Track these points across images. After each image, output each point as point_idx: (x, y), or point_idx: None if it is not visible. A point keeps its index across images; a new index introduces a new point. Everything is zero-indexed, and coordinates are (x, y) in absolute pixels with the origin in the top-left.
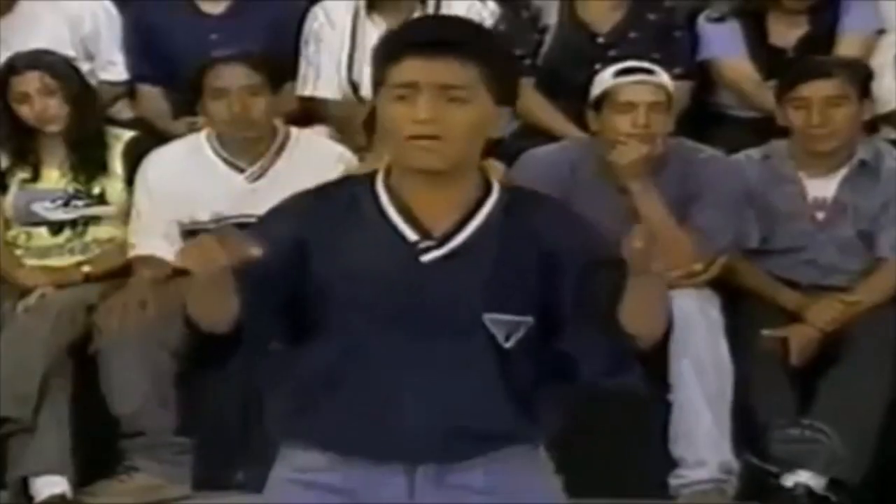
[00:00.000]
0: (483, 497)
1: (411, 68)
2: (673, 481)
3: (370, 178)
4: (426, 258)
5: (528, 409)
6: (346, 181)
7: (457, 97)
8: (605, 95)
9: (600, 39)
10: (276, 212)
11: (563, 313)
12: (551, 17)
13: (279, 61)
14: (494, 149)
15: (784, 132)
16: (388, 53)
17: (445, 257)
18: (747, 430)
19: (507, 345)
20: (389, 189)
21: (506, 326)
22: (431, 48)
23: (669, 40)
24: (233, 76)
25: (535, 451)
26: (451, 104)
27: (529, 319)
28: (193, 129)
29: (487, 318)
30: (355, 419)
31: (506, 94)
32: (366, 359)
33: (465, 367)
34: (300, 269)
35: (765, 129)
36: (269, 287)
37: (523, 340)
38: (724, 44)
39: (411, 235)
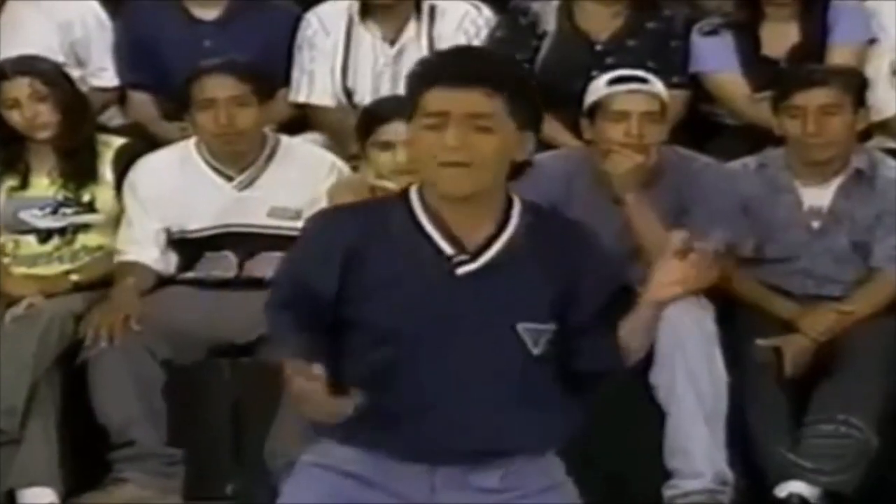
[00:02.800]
0: (500, 497)
1: (441, 98)
2: (667, 492)
3: (403, 194)
4: (461, 271)
5: (549, 416)
6: (379, 200)
7: (483, 126)
8: (599, 104)
9: (598, 47)
10: (314, 227)
11: (580, 322)
12: (550, 24)
13: (267, 70)
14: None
15: (780, 140)
16: (420, 83)
17: (478, 270)
18: (742, 440)
19: (536, 351)
20: (425, 205)
21: (535, 334)
22: (460, 79)
23: (667, 49)
24: (219, 87)
25: (553, 453)
26: (478, 132)
27: (552, 326)
28: (186, 134)
29: (520, 326)
30: (385, 421)
31: (528, 121)
32: (399, 365)
33: (494, 376)
34: (339, 280)
35: (761, 137)
36: (318, 311)
37: (548, 346)
38: (716, 58)
39: (448, 249)
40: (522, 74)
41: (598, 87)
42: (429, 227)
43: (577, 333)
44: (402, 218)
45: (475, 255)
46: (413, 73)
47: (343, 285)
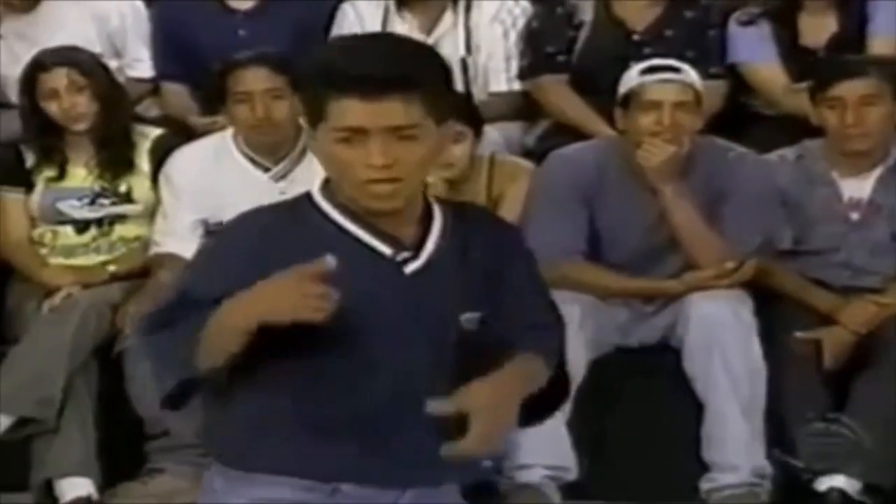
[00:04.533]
0: None
1: (356, 112)
2: (704, 485)
3: (305, 198)
4: (409, 269)
5: None
6: (275, 208)
7: (407, 135)
8: (632, 94)
9: (636, 37)
10: (226, 247)
11: (507, 311)
12: (587, 14)
13: (302, 61)
14: None
15: (819, 131)
16: (325, 89)
17: (424, 267)
18: (780, 433)
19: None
20: (340, 206)
21: (477, 325)
22: (374, 89)
23: (704, 39)
24: (255, 79)
25: None
26: (401, 142)
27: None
28: (219, 126)
29: (464, 317)
30: (342, 445)
31: (447, 112)
32: (351, 378)
33: (448, 377)
34: None
35: (799, 128)
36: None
37: (486, 338)
38: (753, 48)
39: (386, 249)
40: (434, 65)
41: (631, 77)
42: (353, 228)
43: (506, 322)
44: (315, 222)
45: (416, 252)
46: (312, 75)
47: None
